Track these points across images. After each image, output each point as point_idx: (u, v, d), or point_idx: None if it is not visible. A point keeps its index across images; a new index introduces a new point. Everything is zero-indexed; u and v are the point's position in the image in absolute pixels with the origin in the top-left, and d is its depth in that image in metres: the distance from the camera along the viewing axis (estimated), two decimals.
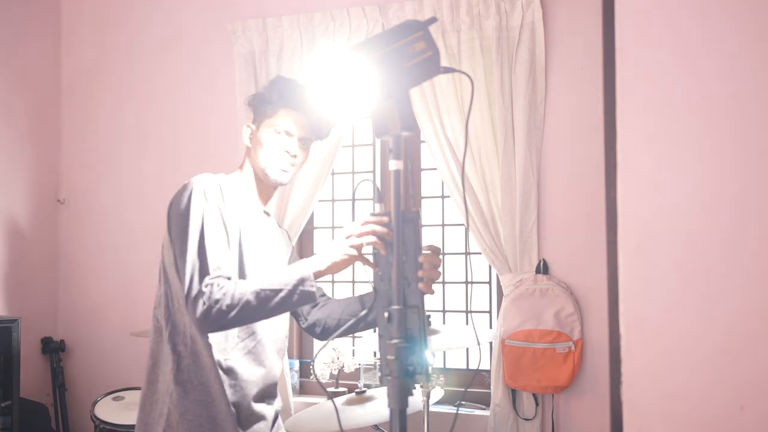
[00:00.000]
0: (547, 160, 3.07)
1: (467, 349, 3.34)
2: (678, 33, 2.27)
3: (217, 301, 1.60)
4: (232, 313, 1.60)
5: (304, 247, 3.63)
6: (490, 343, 3.13)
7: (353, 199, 1.59)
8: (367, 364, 3.31)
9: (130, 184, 3.76)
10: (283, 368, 3.30)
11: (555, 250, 3.05)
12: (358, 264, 1.65)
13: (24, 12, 3.78)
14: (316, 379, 1.62)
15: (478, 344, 1.57)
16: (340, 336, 2.29)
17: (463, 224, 3.34)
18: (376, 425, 2.60)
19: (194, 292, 1.63)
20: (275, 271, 1.68)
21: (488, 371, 3.16)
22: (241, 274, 1.77)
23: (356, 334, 3.49)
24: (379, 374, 1.48)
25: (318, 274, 1.64)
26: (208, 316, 1.60)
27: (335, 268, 1.63)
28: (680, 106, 2.25)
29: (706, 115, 2.22)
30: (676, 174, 2.25)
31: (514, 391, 3.01)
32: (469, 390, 3.19)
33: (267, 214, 2.03)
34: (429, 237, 3.45)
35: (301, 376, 3.54)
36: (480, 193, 3.06)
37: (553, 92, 3.07)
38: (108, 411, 3.01)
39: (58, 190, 3.92)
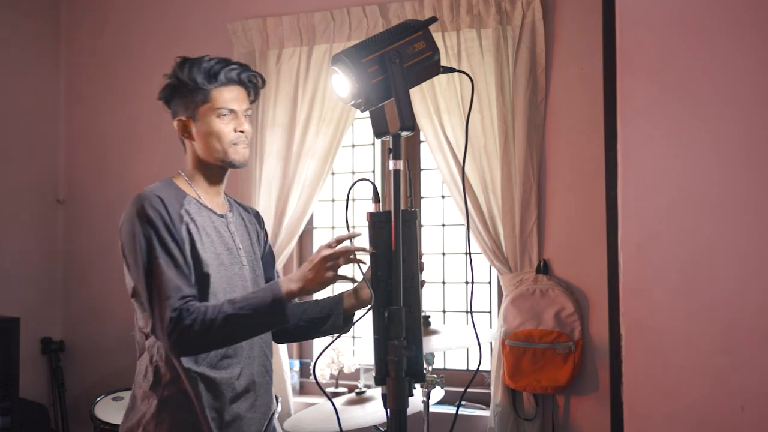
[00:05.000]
0: (547, 160, 3.06)
1: (467, 349, 3.34)
2: (678, 34, 2.27)
3: (187, 328, 1.58)
4: (205, 340, 1.59)
5: (304, 247, 3.63)
6: (490, 343, 3.13)
7: (347, 199, 1.56)
8: (366, 365, 3.31)
9: (130, 184, 3.76)
10: (283, 368, 3.31)
11: (555, 250, 3.05)
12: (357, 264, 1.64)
13: (24, 12, 3.78)
14: (316, 381, 1.60)
15: (479, 345, 1.56)
16: (295, 341, 2.24)
17: (463, 224, 3.34)
18: (376, 425, 2.60)
19: (161, 319, 1.61)
20: (248, 293, 1.64)
21: (488, 372, 3.16)
22: (203, 280, 1.71)
23: (356, 334, 3.49)
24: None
25: (292, 296, 1.61)
26: (181, 343, 1.60)
27: (312, 290, 1.61)
28: (680, 106, 2.25)
29: (706, 116, 2.22)
30: (676, 174, 2.25)
31: (514, 392, 3.01)
32: (469, 390, 3.18)
33: (229, 201, 1.93)
34: (429, 237, 3.45)
35: (301, 376, 3.54)
36: (480, 193, 3.06)
37: (554, 92, 3.07)
38: (107, 411, 3.00)
39: (57, 190, 3.92)
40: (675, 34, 2.27)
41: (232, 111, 1.79)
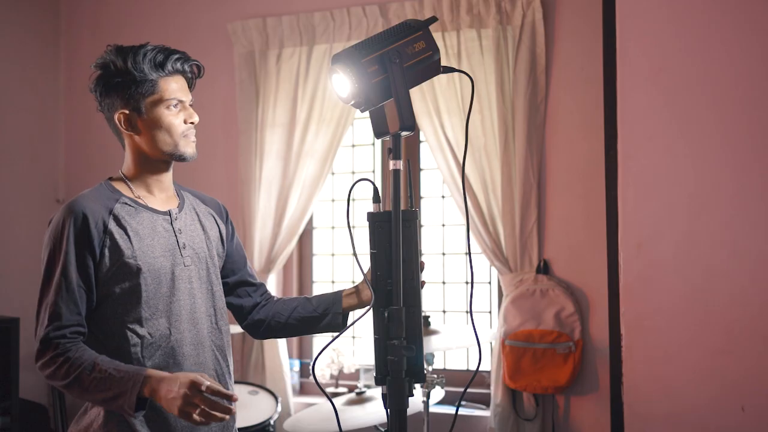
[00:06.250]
0: (547, 160, 3.06)
1: (467, 349, 3.33)
2: (678, 33, 2.27)
3: (44, 364, 1.59)
4: (53, 381, 1.59)
5: (303, 247, 3.62)
6: (491, 343, 3.13)
7: (348, 200, 1.55)
8: (366, 365, 3.31)
9: None
10: (283, 368, 3.31)
11: (556, 250, 3.05)
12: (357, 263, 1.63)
13: (24, 12, 3.78)
14: (315, 381, 1.57)
15: (479, 345, 1.56)
16: (281, 338, 2.18)
17: (463, 224, 3.34)
18: (376, 425, 2.60)
19: (35, 338, 1.61)
20: (120, 366, 1.57)
21: (488, 372, 3.16)
22: (131, 290, 1.65)
23: (356, 334, 3.49)
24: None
25: (151, 396, 1.53)
26: (40, 370, 1.61)
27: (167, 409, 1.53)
28: (680, 107, 2.25)
29: (706, 116, 2.22)
30: (676, 174, 2.25)
31: (514, 392, 3.01)
32: (469, 390, 3.18)
33: (180, 195, 1.82)
34: (429, 237, 3.45)
35: (301, 376, 3.54)
36: (480, 193, 3.06)
37: (554, 92, 3.07)
38: None
39: (57, 190, 3.92)
40: (675, 35, 2.27)
41: (180, 102, 1.70)
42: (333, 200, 3.60)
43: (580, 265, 3.01)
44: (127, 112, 1.69)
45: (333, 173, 3.53)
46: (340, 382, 3.36)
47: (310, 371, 3.43)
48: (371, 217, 1.46)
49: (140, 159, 1.74)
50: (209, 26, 3.62)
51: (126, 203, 1.70)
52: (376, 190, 1.50)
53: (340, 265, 3.60)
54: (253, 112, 3.42)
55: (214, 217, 1.86)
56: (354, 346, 3.44)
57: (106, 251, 1.64)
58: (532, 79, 3.03)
